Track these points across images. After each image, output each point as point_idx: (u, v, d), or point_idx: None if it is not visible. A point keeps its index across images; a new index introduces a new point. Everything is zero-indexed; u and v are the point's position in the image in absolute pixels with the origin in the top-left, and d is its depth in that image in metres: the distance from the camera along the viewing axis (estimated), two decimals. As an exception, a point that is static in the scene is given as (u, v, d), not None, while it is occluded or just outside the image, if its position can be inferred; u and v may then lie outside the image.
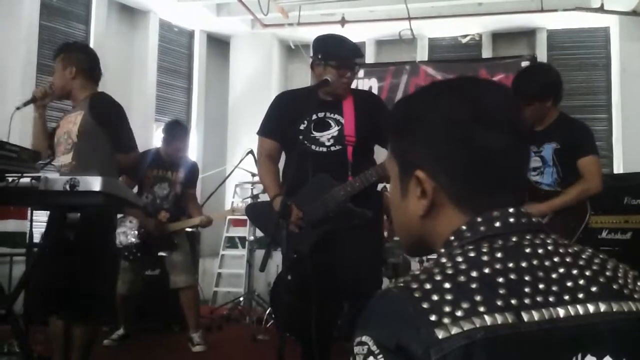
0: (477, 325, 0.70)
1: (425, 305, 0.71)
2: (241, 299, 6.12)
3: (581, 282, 0.77)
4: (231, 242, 7.30)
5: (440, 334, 0.69)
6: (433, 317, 0.70)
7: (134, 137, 3.26)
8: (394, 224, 0.96)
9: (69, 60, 3.28)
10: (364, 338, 0.73)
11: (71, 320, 3.09)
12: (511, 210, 0.82)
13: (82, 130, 3.13)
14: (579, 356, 0.73)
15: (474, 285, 0.73)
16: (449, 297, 0.72)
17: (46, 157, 3.38)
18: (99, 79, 3.37)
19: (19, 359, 3.53)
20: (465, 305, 0.71)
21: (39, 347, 3.84)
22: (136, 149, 3.29)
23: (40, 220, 4.35)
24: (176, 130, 4.74)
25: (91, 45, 6.62)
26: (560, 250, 0.80)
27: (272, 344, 4.51)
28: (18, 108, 3.27)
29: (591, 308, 0.75)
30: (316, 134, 2.91)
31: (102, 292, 3.14)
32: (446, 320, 0.70)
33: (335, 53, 2.92)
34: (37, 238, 4.20)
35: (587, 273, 0.78)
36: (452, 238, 0.83)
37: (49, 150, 3.35)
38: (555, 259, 0.78)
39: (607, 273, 0.79)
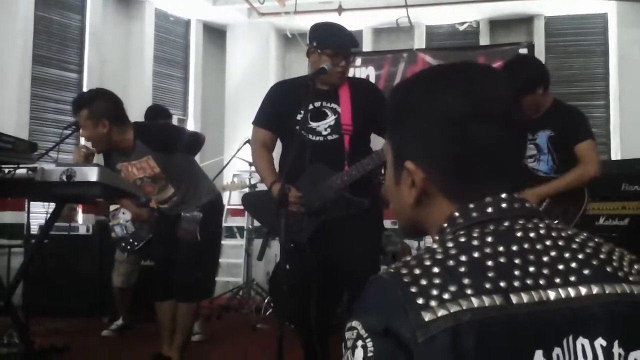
0: (464, 308, 0.70)
1: (413, 290, 0.72)
2: (240, 288, 6.13)
3: (573, 265, 0.76)
4: (229, 232, 7.30)
5: (427, 317, 0.70)
6: (420, 301, 0.71)
7: (186, 130, 3.61)
8: (391, 207, 0.97)
9: (96, 114, 3.09)
10: (354, 323, 0.74)
11: (181, 300, 3.40)
12: (504, 195, 0.82)
13: (163, 167, 3.30)
14: (570, 338, 0.72)
15: (462, 269, 0.73)
16: (437, 280, 0.72)
17: None
18: (127, 117, 3.27)
19: (19, 350, 3.54)
20: (452, 288, 0.71)
21: (38, 339, 3.84)
22: (199, 134, 3.67)
23: (37, 211, 4.35)
24: (154, 111, 4.78)
25: (87, 36, 6.62)
26: (553, 234, 0.80)
27: (271, 333, 4.53)
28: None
29: (583, 290, 0.74)
30: (313, 124, 2.90)
31: (205, 275, 3.64)
32: (433, 303, 0.70)
33: (330, 41, 2.91)
34: (34, 229, 4.20)
35: (580, 256, 0.78)
36: (445, 225, 0.83)
37: None
38: (547, 242, 0.78)
39: (601, 256, 0.79)
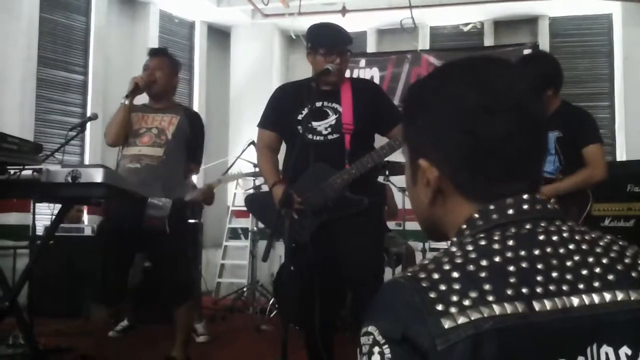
0: (485, 315, 0.68)
1: (432, 295, 0.70)
2: (244, 289, 6.13)
3: (597, 270, 0.74)
4: (234, 234, 7.31)
5: (447, 324, 0.68)
6: (440, 307, 0.69)
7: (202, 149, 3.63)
8: (412, 208, 0.94)
9: (176, 70, 3.59)
10: (370, 328, 0.72)
11: (178, 302, 3.36)
12: (525, 196, 0.80)
13: (177, 132, 3.38)
14: (594, 347, 0.70)
15: (483, 274, 0.71)
16: (456, 286, 0.70)
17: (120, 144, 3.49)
18: None
19: (24, 350, 3.55)
20: (473, 295, 0.69)
21: (43, 339, 3.85)
22: (201, 162, 3.70)
23: (42, 212, 4.37)
24: None
25: (91, 37, 6.64)
26: (577, 237, 0.77)
27: (275, 334, 4.52)
28: (127, 96, 3.34)
29: (607, 297, 0.72)
30: (314, 124, 2.91)
31: (193, 271, 3.68)
32: (453, 310, 0.68)
33: (322, 40, 2.95)
34: (40, 230, 4.21)
35: (605, 261, 0.75)
36: (465, 227, 0.80)
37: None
38: (571, 247, 0.75)
39: (627, 260, 0.76)
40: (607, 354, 0.70)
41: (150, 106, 3.48)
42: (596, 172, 2.92)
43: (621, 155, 6.65)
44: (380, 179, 3.98)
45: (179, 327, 3.40)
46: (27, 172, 2.67)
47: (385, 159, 3.03)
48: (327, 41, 2.94)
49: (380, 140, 3.05)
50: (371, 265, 2.90)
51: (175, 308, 3.37)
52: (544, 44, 7.01)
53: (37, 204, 4.08)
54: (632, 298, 0.73)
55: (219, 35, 8.18)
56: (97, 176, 2.59)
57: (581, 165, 2.93)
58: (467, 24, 7.47)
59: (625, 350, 0.71)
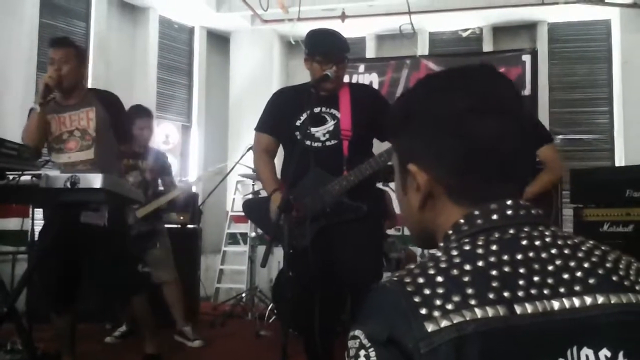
0: (468, 318, 0.69)
1: (416, 299, 0.71)
2: (243, 295, 6.13)
3: (578, 274, 0.75)
4: (233, 239, 7.30)
5: (430, 327, 0.69)
6: (424, 311, 0.70)
7: (131, 125, 3.66)
8: (402, 217, 0.97)
9: (83, 59, 3.45)
10: (356, 332, 0.74)
11: (132, 294, 3.51)
12: (509, 202, 0.82)
13: (99, 126, 3.29)
14: (574, 349, 0.71)
15: (466, 279, 0.73)
16: (440, 290, 0.72)
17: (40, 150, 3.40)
18: None
19: (23, 356, 3.54)
20: (456, 299, 0.71)
21: (42, 345, 3.84)
22: (133, 139, 3.68)
23: (41, 218, 4.35)
24: (137, 110, 4.69)
25: (91, 43, 6.64)
26: (559, 242, 0.79)
27: (275, 340, 4.52)
28: (41, 104, 3.20)
29: (588, 300, 0.73)
30: (312, 130, 2.92)
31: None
32: (436, 314, 0.70)
33: (318, 47, 2.96)
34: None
35: (586, 265, 0.77)
36: (450, 232, 0.82)
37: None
38: (553, 251, 0.77)
39: (607, 265, 0.77)
40: (587, 356, 0.72)
41: (62, 104, 3.34)
42: (556, 171, 3.12)
43: (620, 161, 6.66)
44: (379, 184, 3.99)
45: (142, 322, 3.52)
46: (26, 178, 2.67)
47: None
48: (323, 49, 2.95)
49: (378, 146, 3.05)
50: (369, 270, 2.90)
51: (129, 306, 3.49)
52: (543, 50, 7.02)
53: (36, 210, 4.08)
54: (612, 301, 0.74)
55: (219, 41, 8.19)
56: (96, 182, 2.59)
57: (535, 164, 3.09)
58: (466, 30, 7.49)
59: (605, 353, 0.72)
